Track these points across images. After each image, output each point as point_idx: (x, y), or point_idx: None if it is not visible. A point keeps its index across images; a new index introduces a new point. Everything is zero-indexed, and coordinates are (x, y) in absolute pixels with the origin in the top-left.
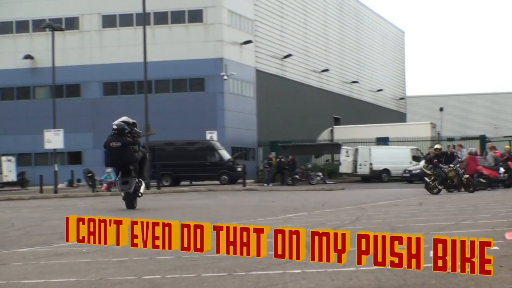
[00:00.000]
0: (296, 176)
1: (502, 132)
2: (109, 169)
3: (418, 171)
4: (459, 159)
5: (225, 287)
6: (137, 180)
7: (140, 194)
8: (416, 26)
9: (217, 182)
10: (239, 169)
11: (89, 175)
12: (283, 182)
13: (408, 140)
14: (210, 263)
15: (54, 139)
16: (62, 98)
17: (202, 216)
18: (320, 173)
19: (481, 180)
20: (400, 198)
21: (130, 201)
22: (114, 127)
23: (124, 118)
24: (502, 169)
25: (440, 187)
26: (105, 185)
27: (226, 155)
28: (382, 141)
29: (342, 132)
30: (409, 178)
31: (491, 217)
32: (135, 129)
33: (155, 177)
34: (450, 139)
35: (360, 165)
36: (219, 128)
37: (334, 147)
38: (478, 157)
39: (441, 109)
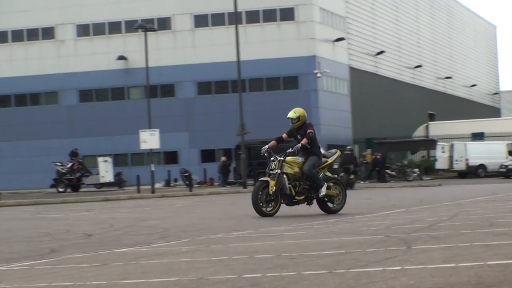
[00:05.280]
0: (393, 173)
1: None
2: None
3: None
4: None
5: (325, 285)
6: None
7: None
8: (508, 21)
9: None
10: (335, 167)
11: (186, 174)
12: (379, 179)
13: (503, 135)
14: (310, 261)
15: (149, 139)
16: (156, 98)
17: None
18: (416, 170)
19: None
20: (497, 194)
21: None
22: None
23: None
24: None
25: None
26: None
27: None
28: (478, 136)
29: (437, 128)
30: (506, 173)
31: None
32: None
33: (251, 175)
34: None
35: (456, 160)
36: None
37: (430, 143)
38: None
39: None
